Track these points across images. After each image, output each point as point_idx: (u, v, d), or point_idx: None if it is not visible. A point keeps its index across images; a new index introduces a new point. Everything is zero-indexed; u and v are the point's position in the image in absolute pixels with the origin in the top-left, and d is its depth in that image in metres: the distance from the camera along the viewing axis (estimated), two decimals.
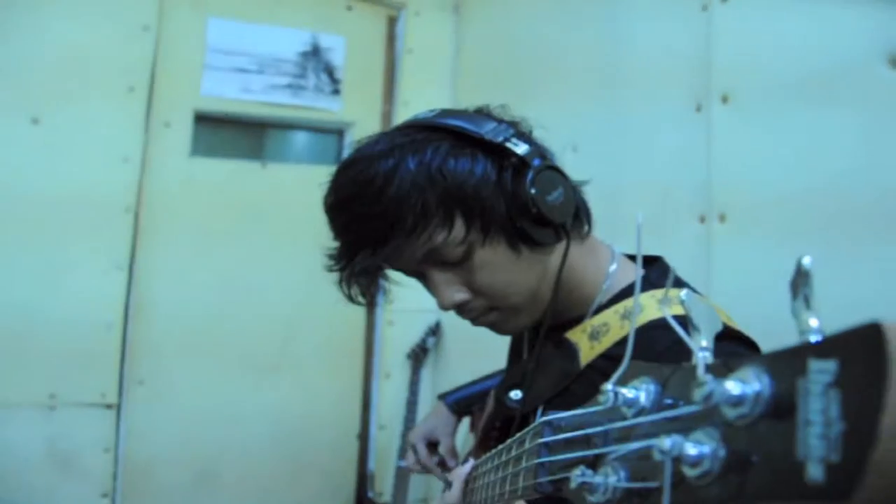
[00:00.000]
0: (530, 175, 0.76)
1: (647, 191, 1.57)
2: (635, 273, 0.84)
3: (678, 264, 0.72)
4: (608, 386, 0.40)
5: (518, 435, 0.60)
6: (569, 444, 0.48)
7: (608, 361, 0.78)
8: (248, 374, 2.36)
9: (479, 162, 0.76)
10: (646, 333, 0.74)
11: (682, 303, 0.37)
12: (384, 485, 2.47)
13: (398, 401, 2.39)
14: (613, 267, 0.87)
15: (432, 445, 1.22)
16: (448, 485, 1.09)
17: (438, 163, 0.75)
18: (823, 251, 1.13)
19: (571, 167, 0.85)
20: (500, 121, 0.82)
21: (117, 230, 2.18)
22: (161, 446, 2.28)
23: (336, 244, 0.83)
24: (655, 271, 0.86)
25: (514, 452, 0.61)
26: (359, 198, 0.77)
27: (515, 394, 0.89)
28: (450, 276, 0.80)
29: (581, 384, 0.80)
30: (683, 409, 0.34)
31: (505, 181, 0.76)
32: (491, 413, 1.03)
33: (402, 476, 2.22)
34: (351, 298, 0.86)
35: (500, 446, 0.67)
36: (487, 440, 1.03)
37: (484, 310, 0.82)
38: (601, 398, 0.41)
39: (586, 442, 0.45)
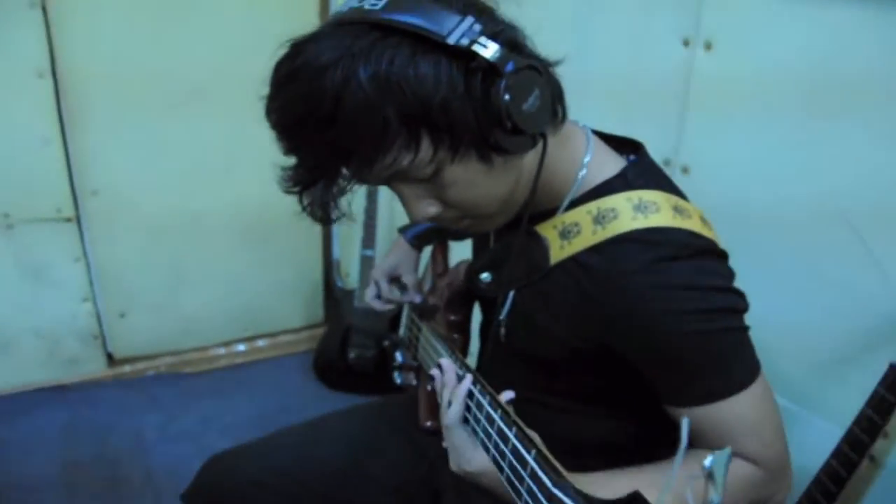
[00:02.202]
0: (503, 83, 0.66)
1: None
2: (615, 167, 0.82)
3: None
4: None
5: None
6: None
7: (578, 267, 0.79)
8: (203, 172, 2.33)
9: (444, 69, 0.65)
10: (617, 246, 0.76)
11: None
12: (350, 271, 2.59)
13: (360, 190, 2.40)
14: (588, 157, 0.82)
15: (395, 280, 1.26)
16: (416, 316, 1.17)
17: (397, 74, 0.64)
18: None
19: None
20: (462, 8, 0.69)
21: (28, 29, 1.94)
22: (129, 252, 2.33)
23: (289, 161, 0.74)
24: (634, 169, 0.83)
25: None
26: (307, 122, 0.67)
27: (486, 276, 0.92)
28: (419, 191, 0.75)
29: (549, 282, 0.83)
30: None
31: (474, 89, 0.66)
32: (460, 286, 1.07)
33: (367, 262, 2.33)
34: (311, 215, 0.79)
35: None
36: (452, 306, 1.09)
37: (456, 219, 0.80)
38: None
39: None
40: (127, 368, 2.46)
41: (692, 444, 0.83)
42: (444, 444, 0.83)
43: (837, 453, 1.02)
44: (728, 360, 0.77)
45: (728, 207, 1.30)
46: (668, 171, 1.37)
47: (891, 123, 1.05)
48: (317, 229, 2.59)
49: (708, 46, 1.29)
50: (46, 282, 2.21)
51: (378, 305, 1.26)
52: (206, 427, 2.26)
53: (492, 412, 0.73)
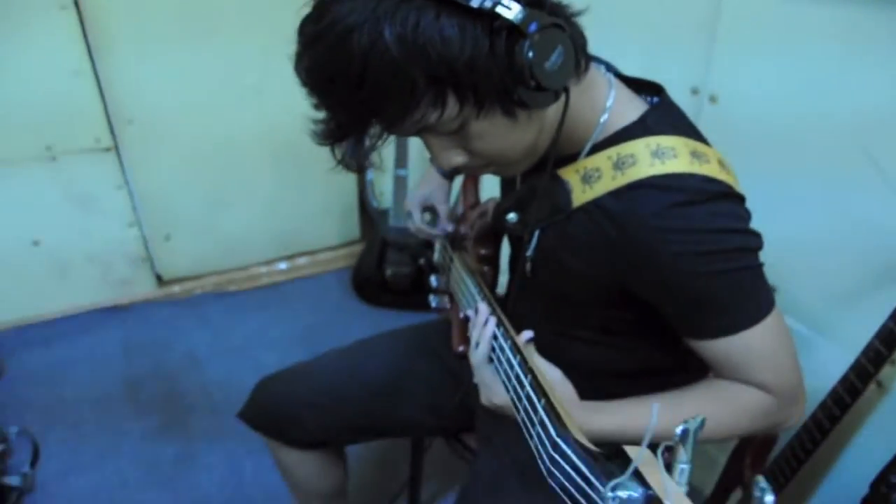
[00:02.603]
0: (526, 44, 0.66)
1: None
2: (636, 111, 0.83)
3: None
4: None
5: None
6: None
7: (598, 210, 0.82)
8: (235, 96, 2.36)
9: (468, 31, 0.66)
10: (633, 192, 0.79)
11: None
12: (384, 190, 2.64)
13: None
14: (610, 101, 0.84)
15: (428, 209, 1.30)
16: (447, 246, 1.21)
17: (422, 36, 0.65)
18: None
19: None
20: None
21: None
22: (168, 178, 2.41)
23: (320, 113, 0.76)
24: (654, 113, 0.84)
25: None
26: (335, 82, 0.68)
27: (512, 216, 0.95)
28: (446, 143, 0.78)
29: (572, 223, 0.86)
30: None
31: (498, 50, 0.67)
32: (488, 225, 1.11)
33: (400, 182, 2.37)
34: (345, 166, 0.80)
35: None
36: (482, 241, 1.13)
37: (482, 167, 0.83)
38: None
39: None
40: (176, 288, 2.59)
41: (713, 373, 0.88)
42: (475, 380, 0.89)
43: (844, 380, 1.07)
44: (742, 297, 0.81)
45: (753, 136, 1.31)
46: (695, 100, 1.38)
47: None
48: None
49: None
50: (93, 209, 2.30)
51: (419, 235, 1.31)
52: (252, 342, 2.39)
53: (511, 358, 0.78)
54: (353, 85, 0.67)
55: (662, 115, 0.84)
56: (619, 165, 0.80)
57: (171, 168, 2.38)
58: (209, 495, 1.81)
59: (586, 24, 0.78)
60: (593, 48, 0.82)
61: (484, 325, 0.87)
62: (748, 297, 0.81)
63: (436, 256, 1.41)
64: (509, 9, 0.65)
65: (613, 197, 0.81)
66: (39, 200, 2.22)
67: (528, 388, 0.72)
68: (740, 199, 0.81)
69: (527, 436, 0.71)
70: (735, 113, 1.31)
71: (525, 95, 0.70)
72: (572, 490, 0.57)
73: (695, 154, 0.79)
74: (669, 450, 0.49)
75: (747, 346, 0.81)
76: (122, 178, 2.30)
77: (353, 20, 0.65)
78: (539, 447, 0.67)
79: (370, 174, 2.64)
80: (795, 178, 1.25)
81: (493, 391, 0.85)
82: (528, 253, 0.95)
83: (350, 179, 2.73)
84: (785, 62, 1.22)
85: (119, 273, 2.46)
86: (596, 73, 0.85)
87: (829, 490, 1.31)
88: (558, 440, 0.62)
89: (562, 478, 0.60)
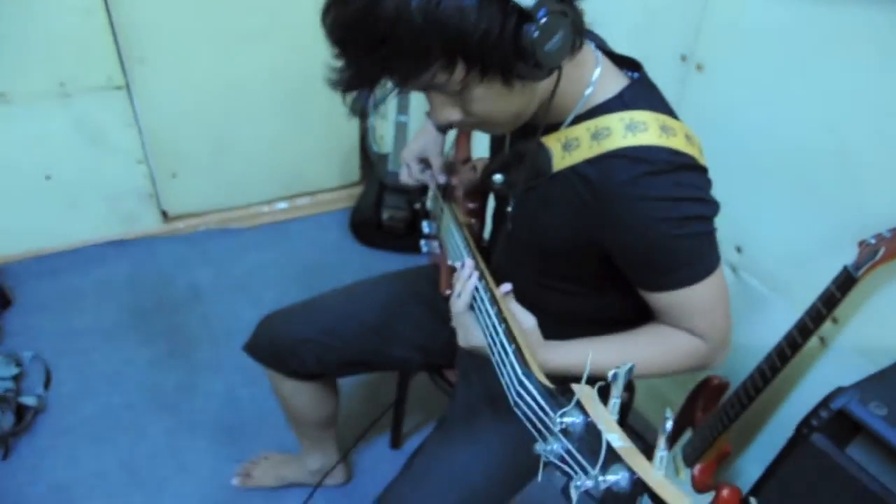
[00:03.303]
0: (533, 28, 0.74)
1: None
2: (616, 86, 0.92)
3: None
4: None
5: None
6: None
7: (576, 175, 0.92)
8: (243, 39, 2.41)
9: (485, 10, 0.73)
10: (606, 161, 0.89)
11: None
12: (385, 134, 2.70)
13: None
14: (595, 75, 0.93)
15: (423, 161, 1.38)
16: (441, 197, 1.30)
17: (445, 11, 0.71)
18: None
19: None
20: None
21: None
22: (177, 119, 2.47)
23: (337, 61, 0.81)
24: (631, 89, 0.93)
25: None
26: (358, 40, 0.76)
27: (499, 177, 1.06)
28: (446, 100, 0.86)
29: (552, 185, 0.97)
30: None
31: (507, 29, 0.75)
32: (476, 183, 1.20)
33: (401, 128, 2.44)
34: (351, 111, 0.86)
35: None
36: (471, 196, 1.23)
37: (472, 124, 0.92)
38: None
39: None
40: (180, 225, 2.69)
41: (658, 319, 1.01)
42: (452, 324, 1.01)
43: (787, 335, 1.19)
44: (693, 258, 0.92)
45: (734, 107, 1.39)
46: (683, 66, 1.45)
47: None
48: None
49: None
50: (104, 146, 2.38)
51: (411, 183, 1.40)
52: (253, 278, 2.51)
53: (489, 308, 0.90)
54: (375, 45, 0.75)
55: (638, 92, 0.92)
56: (596, 136, 0.90)
57: (179, 107, 2.45)
58: (208, 420, 1.94)
59: None
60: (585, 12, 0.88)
61: (468, 279, 0.98)
62: (698, 259, 0.92)
63: (429, 204, 1.51)
64: None
65: (589, 164, 0.90)
66: (52, 136, 2.29)
67: (502, 335, 0.84)
68: (703, 169, 0.91)
69: (498, 373, 0.83)
70: (720, 81, 1.40)
71: (524, 71, 0.79)
72: (532, 417, 0.69)
73: (664, 128, 0.88)
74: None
75: (690, 299, 0.94)
76: (132, 116, 2.37)
77: None
78: (508, 383, 0.79)
79: (372, 119, 2.71)
80: (768, 154, 1.34)
81: (472, 335, 0.96)
82: (510, 209, 1.05)
83: (352, 124, 2.80)
84: (773, 34, 1.29)
85: (126, 208, 2.55)
86: (586, 50, 0.93)
87: (770, 430, 1.46)
88: (523, 378, 0.74)
89: (524, 407, 0.72)
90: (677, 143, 0.88)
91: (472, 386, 1.22)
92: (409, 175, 1.38)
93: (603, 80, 0.93)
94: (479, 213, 1.26)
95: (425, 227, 1.55)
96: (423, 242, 1.56)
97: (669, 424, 0.48)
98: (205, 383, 2.05)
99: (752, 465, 1.51)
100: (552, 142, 0.95)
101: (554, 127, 0.95)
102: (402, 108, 2.41)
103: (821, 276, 1.14)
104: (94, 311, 2.29)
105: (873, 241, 1.12)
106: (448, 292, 1.35)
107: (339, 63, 0.81)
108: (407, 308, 1.37)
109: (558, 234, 0.99)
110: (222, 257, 2.61)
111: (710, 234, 0.93)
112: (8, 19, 2.04)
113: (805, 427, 1.00)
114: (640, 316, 1.04)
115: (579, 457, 0.53)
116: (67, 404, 1.96)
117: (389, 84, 0.83)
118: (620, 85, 0.93)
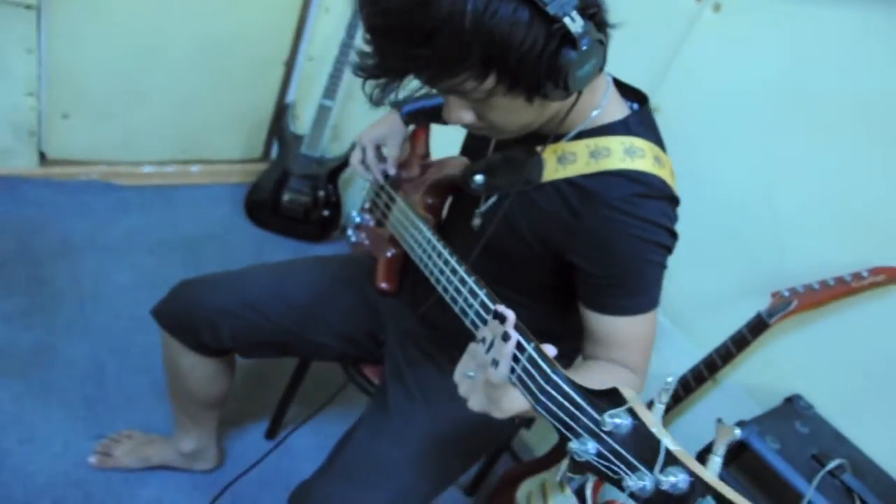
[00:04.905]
0: (574, 55, 0.76)
1: None
2: (620, 113, 0.96)
3: None
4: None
5: None
6: None
7: (569, 186, 0.95)
8: None
9: (532, 30, 0.74)
10: (605, 178, 0.93)
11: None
12: (303, 115, 2.62)
13: (334, 38, 2.37)
14: (605, 100, 0.96)
15: (378, 149, 1.36)
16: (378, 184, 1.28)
17: (494, 23, 0.72)
18: None
19: None
20: None
21: None
22: (85, 55, 2.25)
23: (367, 50, 0.80)
24: (635, 117, 0.97)
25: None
26: (400, 35, 0.75)
27: (480, 178, 1.06)
28: (464, 103, 0.87)
29: (538, 194, 0.99)
30: None
31: (548, 51, 0.76)
32: (448, 178, 1.19)
33: (323, 112, 2.38)
34: (368, 97, 0.85)
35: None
36: (434, 192, 1.22)
37: (480, 128, 0.92)
38: None
39: None
40: (57, 170, 2.44)
41: (590, 344, 1.01)
42: (473, 403, 0.80)
43: (694, 369, 1.29)
44: (651, 287, 0.97)
45: (683, 149, 1.48)
46: (697, 6, 1.47)
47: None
48: (277, 70, 2.59)
49: (716, 8, 1.43)
50: None
51: (360, 170, 1.37)
52: (132, 241, 2.32)
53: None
54: (417, 42, 0.74)
55: (641, 121, 0.98)
56: (594, 154, 0.94)
57: (92, 44, 2.23)
58: (66, 388, 1.74)
59: None
60: None
61: (505, 343, 0.77)
62: (655, 289, 0.98)
63: (369, 194, 1.48)
64: (574, 21, 0.75)
65: (586, 178, 0.94)
66: None
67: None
68: (678, 203, 0.97)
69: (525, 379, 0.75)
70: (673, 124, 1.49)
71: (550, 90, 0.80)
72: (563, 416, 0.67)
73: (657, 159, 0.94)
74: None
75: (631, 329, 0.98)
76: (35, 41, 2.12)
77: None
78: (529, 381, 0.73)
79: (291, 95, 2.62)
80: (703, 199, 1.43)
81: (515, 402, 0.78)
82: (481, 209, 1.06)
83: (270, 97, 2.68)
84: (731, 95, 1.39)
85: (1, 142, 2.29)
86: (601, 74, 0.96)
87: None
88: (556, 378, 0.70)
89: (550, 405, 0.69)
90: (665, 174, 0.94)
91: (405, 385, 1.21)
92: (361, 158, 1.36)
93: (610, 105, 0.97)
94: (437, 210, 1.25)
95: (356, 216, 1.52)
96: (350, 231, 1.53)
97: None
98: (66, 347, 1.84)
99: None
100: (548, 153, 0.98)
101: (555, 139, 0.98)
102: (330, 93, 2.35)
103: (727, 320, 1.24)
104: None
105: (787, 294, 1.23)
106: (384, 285, 1.33)
107: (367, 49, 0.79)
108: (338, 295, 1.34)
109: (530, 241, 1.02)
110: (100, 212, 2.40)
111: (665, 268, 0.98)
112: None
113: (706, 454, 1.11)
114: (565, 335, 1.07)
115: (629, 457, 0.54)
116: None
117: (416, 81, 0.82)
118: (624, 112, 0.98)
